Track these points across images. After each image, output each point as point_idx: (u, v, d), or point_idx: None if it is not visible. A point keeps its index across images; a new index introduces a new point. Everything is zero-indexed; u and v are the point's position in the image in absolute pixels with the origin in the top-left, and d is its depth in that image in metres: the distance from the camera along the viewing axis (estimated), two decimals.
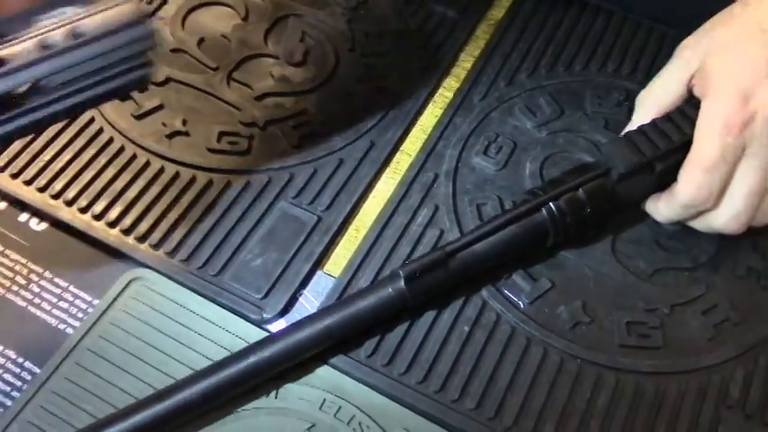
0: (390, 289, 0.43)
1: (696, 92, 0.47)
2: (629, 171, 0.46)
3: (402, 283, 0.43)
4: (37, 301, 0.46)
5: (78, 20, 0.37)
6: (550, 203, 0.46)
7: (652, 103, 0.49)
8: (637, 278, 0.48)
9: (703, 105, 0.45)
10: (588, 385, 0.44)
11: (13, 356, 0.44)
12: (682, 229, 0.50)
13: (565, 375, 0.45)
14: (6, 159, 0.51)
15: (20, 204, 0.50)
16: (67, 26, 0.36)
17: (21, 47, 0.35)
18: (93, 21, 0.37)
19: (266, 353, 0.41)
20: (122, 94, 0.40)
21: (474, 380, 0.44)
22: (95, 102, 0.39)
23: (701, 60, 0.47)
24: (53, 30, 0.36)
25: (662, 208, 0.48)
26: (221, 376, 0.41)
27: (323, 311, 0.44)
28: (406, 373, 0.44)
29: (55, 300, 0.46)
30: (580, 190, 0.47)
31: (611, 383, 0.44)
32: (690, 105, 0.48)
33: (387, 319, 0.45)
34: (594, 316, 0.47)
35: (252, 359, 0.41)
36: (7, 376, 0.43)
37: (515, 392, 0.44)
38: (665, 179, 0.48)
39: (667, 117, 0.48)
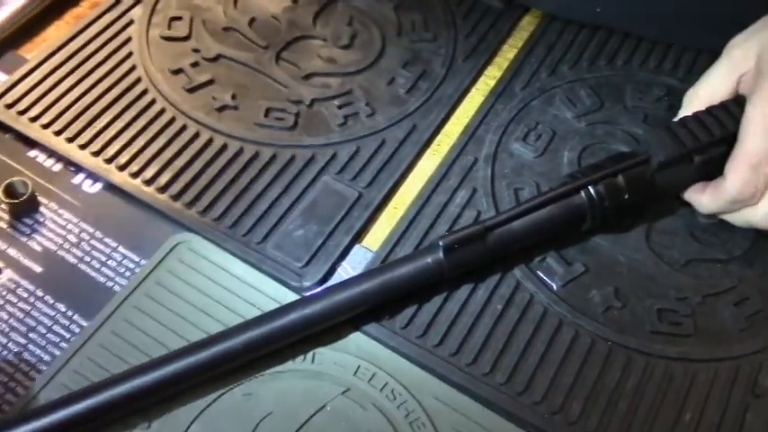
0: (429, 259, 0.45)
1: (743, 90, 0.48)
2: (669, 160, 0.47)
3: (441, 253, 0.44)
4: (87, 258, 0.48)
5: None
6: (590, 187, 0.47)
7: (700, 101, 0.50)
8: (669, 267, 0.49)
9: (752, 103, 0.46)
10: (618, 367, 0.45)
11: (63, 309, 0.46)
12: (716, 223, 0.51)
13: (595, 356, 0.45)
14: (63, 124, 0.53)
15: (74, 167, 0.52)
16: None
17: None
18: None
19: (307, 310, 0.43)
20: None
21: (505, 356, 0.45)
22: None
23: (750, 59, 0.47)
24: None
25: (706, 200, 0.49)
26: (263, 329, 0.42)
27: (361, 276, 0.45)
28: (440, 345, 0.45)
29: (104, 258, 0.48)
30: (620, 176, 0.47)
31: (641, 366, 0.45)
32: (733, 102, 0.49)
33: (423, 288, 0.46)
34: (626, 301, 0.48)
35: (292, 315, 0.42)
36: (57, 328, 0.45)
37: (545, 370, 0.45)
38: (703, 171, 0.49)
39: (709, 111, 0.49)
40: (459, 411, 0.43)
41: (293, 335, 0.43)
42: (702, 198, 0.49)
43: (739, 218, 0.49)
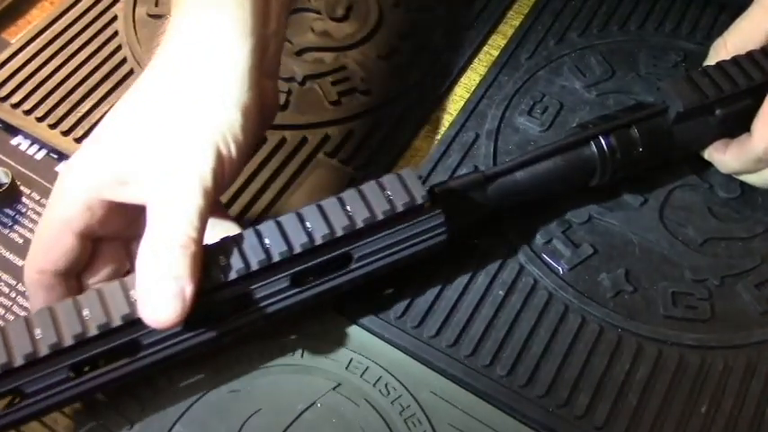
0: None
1: None
2: (688, 111, 0.44)
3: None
4: None
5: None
6: (600, 138, 0.43)
7: (728, 51, 0.46)
8: (686, 247, 0.46)
9: None
10: (628, 356, 0.42)
11: None
12: (737, 198, 0.48)
13: (603, 345, 0.43)
14: (46, 110, 0.51)
15: (57, 154, 0.50)
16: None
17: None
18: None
19: None
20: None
21: (507, 346, 0.42)
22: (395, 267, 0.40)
23: None
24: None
25: (729, 160, 0.46)
26: None
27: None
28: (437, 335, 0.43)
29: None
30: (633, 127, 0.44)
31: (653, 355, 0.42)
32: (761, 52, 0.45)
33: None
34: (638, 285, 0.45)
35: None
36: None
37: (549, 360, 0.42)
38: (726, 126, 0.45)
39: (734, 61, 0.45)
40: (457, 406, 0.40)
41: None
42: (725, 156, 0.46)
43: (760, 179, 0.45)
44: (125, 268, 0.41)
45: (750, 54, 0.45)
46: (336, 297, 0.41)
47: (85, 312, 0.35)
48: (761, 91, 0.44)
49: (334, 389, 0.41)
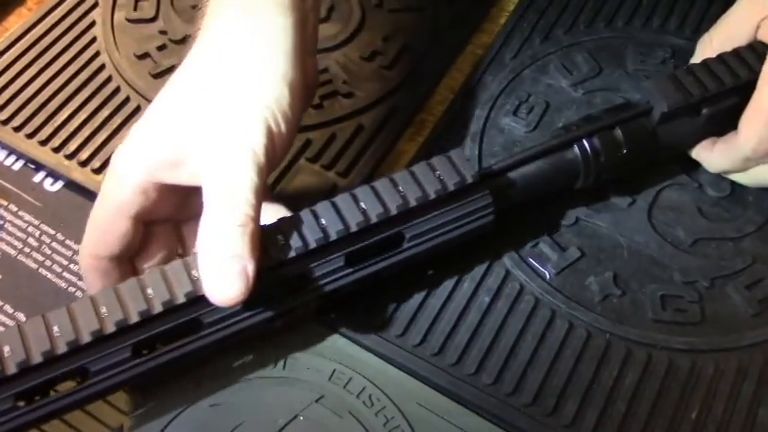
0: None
1: (763, 35, 0.44)
2: (673, 111, 0.43)
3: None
4: (48, 263, 0.45)
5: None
6: (584, 140, 0.43)
7: (714, 47, 0.46)
8: (675, 248, 0.45)
9: None
10: (616, 362, 0.41)
11: (23, 319, 0.43)
12: (727, 197, 0.47)
13: (591, 350, 0.42)
14: (23, 119, 0.50)
15: (35, 164, 0.49)
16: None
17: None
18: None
19: None
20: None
21: (493, 353, 0.41)
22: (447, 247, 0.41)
23: None
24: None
25: (716, 158, 0.45)
26: None
27: None
28: (421, 344, 0.42)
29: (66, 262, 0.45)
30: (617, 128, 0.43)
31: (642, 360, 0.41)
32: (748, 48, 0.44)
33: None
34: (626, 288, 0.44)
35: None
36: None
37: (536, 368, 0.41)
38: (713, 125, 0.44)
39: (720, 58, 0.44)
40: (442, 417, 0.40)
41: None
42: (712, 155, 0.45)
43: (749, 177, 0.45)
44: (177, 251, 0.41)
45: (736, 51, 0.44)
46: (373, 283, 0.41)
47: (149, 291, 0.35)
48: (747, 89, 0.43)
49: (316, 401, 0.40)
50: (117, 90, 0.51)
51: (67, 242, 0.46)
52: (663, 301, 0.43)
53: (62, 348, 0.34)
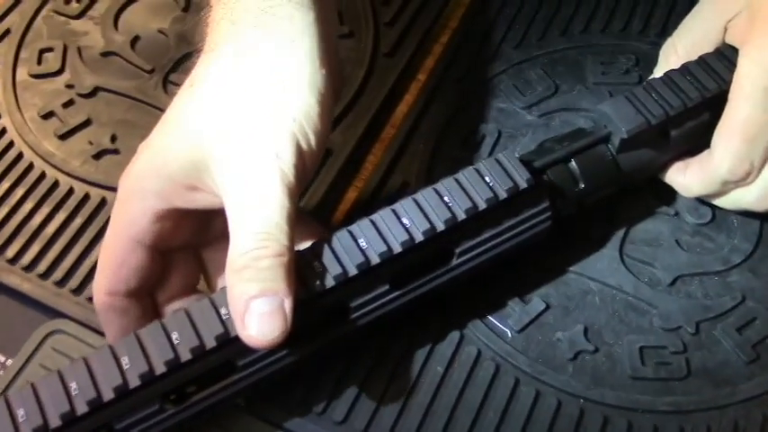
0: None
1: (731, 39, 0.39)
2: (634, 136, 0.37)
3: None
4: None
5: None
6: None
7: (679, 56, 0.41)
8: (652, 289, 0.39)
9: (746, 55, 0.37)
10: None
11: None
12: (709, 223, 0.41)
13: (563, 420, 0.36)
14: None
15: None
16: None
17: None
18: None
19: None
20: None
21: None
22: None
23: (741, 1, 0.38)
24: None
25: (691, 182, 0.40)
26: None
27: None
28: (366, 431, 0.36)
29: None
30: (572, 161, 0.38)
31: (622, 428, 0.36)
32: (714, 55, 0.39)
33: None
34: (600, 342, 0.38)
35: None
36: None
37: None
38: (682, 146, 0.39)
39: (685, 69, 0.39)
40: None
41: None
42: (685, 179, 0.40)
43: (729, 201, 0.40)
44: (198, 279, 0.38)
45: (702, 59, 0.38)
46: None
47: (174, 336, 0.31)
48: (718, 102, 0.37)
49: None
50: (20, 156, 0.46)
51: None
52: (642, 355, 0.38)
53: (82, 408, 0.30)
